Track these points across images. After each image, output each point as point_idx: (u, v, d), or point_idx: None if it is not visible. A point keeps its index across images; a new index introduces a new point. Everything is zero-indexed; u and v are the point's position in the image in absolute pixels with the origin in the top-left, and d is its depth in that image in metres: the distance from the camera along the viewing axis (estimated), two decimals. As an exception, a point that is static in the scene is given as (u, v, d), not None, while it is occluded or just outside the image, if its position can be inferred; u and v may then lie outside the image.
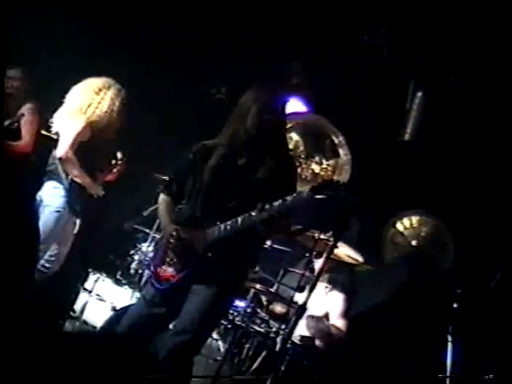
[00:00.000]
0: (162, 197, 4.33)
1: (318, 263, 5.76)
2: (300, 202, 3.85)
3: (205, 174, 4.12)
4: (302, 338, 5.74)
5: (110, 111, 5.65)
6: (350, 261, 6.01)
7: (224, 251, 3.97)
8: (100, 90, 5.67)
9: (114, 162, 5.92)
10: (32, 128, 5.98)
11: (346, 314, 6.14)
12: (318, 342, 5.86)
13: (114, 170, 5.92)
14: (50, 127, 5.70)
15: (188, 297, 4.02)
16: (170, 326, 4.24)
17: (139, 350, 3.49)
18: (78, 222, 5.62)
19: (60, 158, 5.47)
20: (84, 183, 5.57)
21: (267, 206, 3.83)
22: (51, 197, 5.45)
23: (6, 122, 5.73)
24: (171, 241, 4.08)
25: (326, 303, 6.17)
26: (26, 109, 5.94)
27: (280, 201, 3.84)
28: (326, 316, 6.13)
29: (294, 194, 3.86)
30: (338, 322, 6.08)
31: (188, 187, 4.20)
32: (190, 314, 3.98)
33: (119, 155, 5.92)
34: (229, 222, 3.92)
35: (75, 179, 5.51)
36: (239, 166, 4.10)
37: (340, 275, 6.25)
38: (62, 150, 5.50)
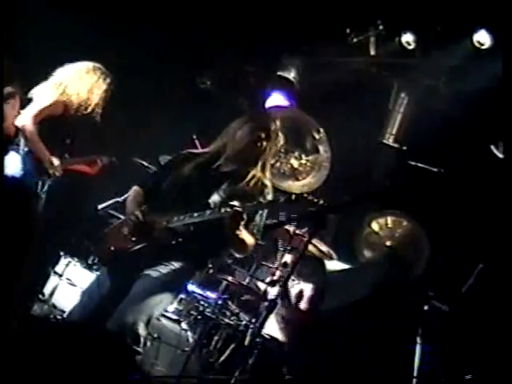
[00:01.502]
0: (134, 188, 4.37)
1: (292, 258, 5.75)
2: (273, 209, 4.03)
3: (180, 176, 4.20)
4: (271, 338, 5.73)
5: (89, 93, 5.62)
6: (321, 255, 6.01)
7: (183, 237, 4.02)
8: (86, 72, 5.66)
9: (100, 159, 5.98)
10: (13, 111, 5.89)
11: (313, 301, 6.13)
12: (284, 337, 5.85)
13: (96, 167, 5.91)
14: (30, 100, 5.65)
15: (138, 279, 4.02)
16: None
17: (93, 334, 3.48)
18: (42, 197, 5.56)
19: (18, 126, 5.41)
20: (40, 157, 5.49)
21: (238, 205, 3.88)
22: (9, 167, 5.38)
23: None
24: (131, 218, 4.11)
25: (294, 292, 6.15)
26: (7, 92, 5.85)
27: (254, 202, 3.94)
28: (295, 304, 6.12)
29: (269, 199, 4.05)
30: (306, 307, 6.06)
31: (163, 187, 4.23)
32: (137, 295, 3.97)
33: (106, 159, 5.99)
34: (195, 214, 3.97)
35: (32, 151, 5.46)
36: (214, 175, 4.19)
37: (307, 265, 6.23)
38: (23, 118, 5.43)
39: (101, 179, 6.29)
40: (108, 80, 5.74)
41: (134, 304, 3.96)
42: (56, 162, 5.60)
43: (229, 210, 3.87)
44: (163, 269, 4.02)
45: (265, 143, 4.21)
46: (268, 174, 4.34)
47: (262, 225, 4.17)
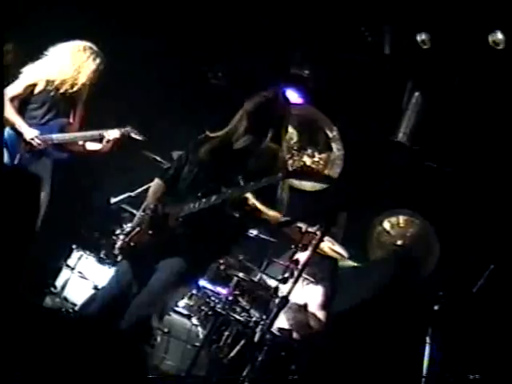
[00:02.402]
0: (155, 180, 4.44)
1: (303, 256, 5.75)
2: (273, 182, 4.00)
3: (194, 162, 4.24)
4: (280, 329, 5.73)
5: (75, 71, 5.75)
6: (335, 255, 6.01)
7: (195, 228, 4.05)
8: (76, 51, 5.79)
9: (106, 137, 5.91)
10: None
11: (325, 305, 6.14)
12: (295, 334, 5.86)
13: (107, 143, 5.90)
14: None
15: (154, 272, 4.06)
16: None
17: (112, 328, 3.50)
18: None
19: None
20: (16, 128, 5.60)
21: (241, 183, 3.93)
22: None
23: None
24: (147, 212, 4.16)
25: (306, 294, 6.17)
26: None
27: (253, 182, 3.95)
28: (305, 306, 6.12)
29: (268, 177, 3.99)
30: (316, 312, 6.08)
31: (182, 176, 4.27)
32: (152, 287, 4.02)
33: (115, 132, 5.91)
34: (204, 200, 4.00)
35: (7, 123, 5.55)
36: (227, 157, 4.19)
37: (321, 267, 6.24)
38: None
39: (113, 171, 6.30)
40: (98, 60, 5.82)
41: (149, 296, 4.00)
42: (33, 132, 5.65)
43: (232, 189, 3.91)
44: (179, 261, 4.05)
45: (274, 111, 4.20)
46: (284, 145, 4.31)
47: (284, 196, 4.17)
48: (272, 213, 4.11)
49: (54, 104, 5.79)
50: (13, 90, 5.62)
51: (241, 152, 4.19)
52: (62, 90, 5.76)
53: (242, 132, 4.21)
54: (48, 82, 5.70)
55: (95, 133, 5.93)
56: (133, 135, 5.80)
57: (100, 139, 5.93)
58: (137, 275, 4.13)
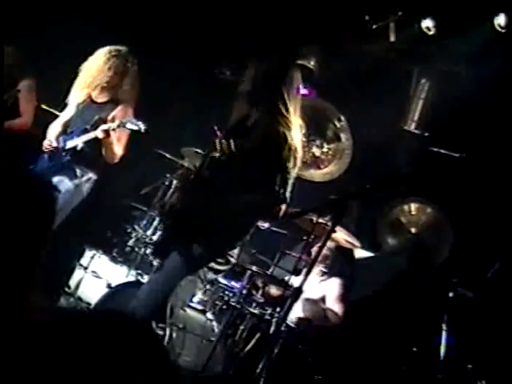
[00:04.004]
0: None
1: (316, 247, 5.74)
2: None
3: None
4: (299, 319, 5.73)
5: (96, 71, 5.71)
6: (348, 245, 6.00)
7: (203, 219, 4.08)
8: (100, 54, 5.71)
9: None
10: (29, 105, 5.93)
11: (342, 299, 6.13)
12: (312, 326, 5.85)
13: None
14: None
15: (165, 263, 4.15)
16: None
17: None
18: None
19: None
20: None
21: None
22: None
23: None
24: (161, 207, 4.23)
25: (323, 287, 6.16)
26: (22, 85, 5.89)
27: None
28: (323, 299, 6.12)
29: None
30: (334, 306, 6.07)
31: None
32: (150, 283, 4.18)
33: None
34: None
35: None
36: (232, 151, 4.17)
37: (338, 260, 6.23)
38: None
39: (122, 170, 6.29)
40: (113, 59, 5.71)
41: (156, 288, 4.06)
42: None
43: None
44: (185, 254, 4.09)
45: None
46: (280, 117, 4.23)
47: (286, 187, 4.15)
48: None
49: None
50: None
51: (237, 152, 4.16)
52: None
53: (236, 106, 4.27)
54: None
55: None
56: (129, 126, 5.44)
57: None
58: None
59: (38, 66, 6.10)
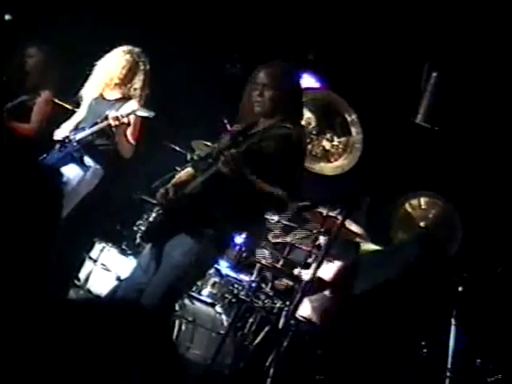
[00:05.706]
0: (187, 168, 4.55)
1: (325, 240, 5.73)
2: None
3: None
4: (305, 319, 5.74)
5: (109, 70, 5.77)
6: (358, 239, 5.98)
7: (198, 204, 4.13)
8: (114, 53, 5.76)
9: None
10: (42, 116, 5.92)
11: (345, 287, 6.10)
12: (317, 316, 5.84)
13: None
14: None
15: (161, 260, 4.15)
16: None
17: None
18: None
19: None
20: None
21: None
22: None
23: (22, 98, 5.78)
24: (159, 199, 4.28)
25: (326, 276, 6.14)
26: (42, 95, 5.90)
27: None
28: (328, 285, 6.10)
29: None
30: (333, 281, 6.04)
31: None
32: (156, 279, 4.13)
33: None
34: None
35: None
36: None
37: (340, 247, 6.19)
38: None
39: (132, 163, 6.30)
40: (126, 57, 5.76)
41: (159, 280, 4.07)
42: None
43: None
44: (187, 243, 4.08)
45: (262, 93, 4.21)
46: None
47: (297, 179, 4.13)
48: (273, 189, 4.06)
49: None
50: None
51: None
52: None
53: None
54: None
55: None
56: (138, 113, 5.45)
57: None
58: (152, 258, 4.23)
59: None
